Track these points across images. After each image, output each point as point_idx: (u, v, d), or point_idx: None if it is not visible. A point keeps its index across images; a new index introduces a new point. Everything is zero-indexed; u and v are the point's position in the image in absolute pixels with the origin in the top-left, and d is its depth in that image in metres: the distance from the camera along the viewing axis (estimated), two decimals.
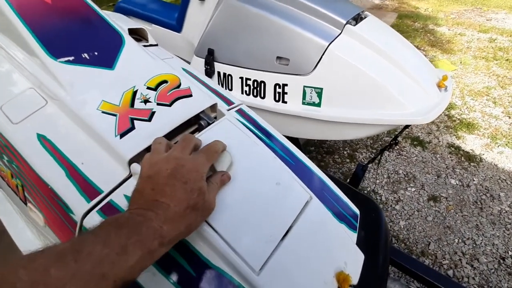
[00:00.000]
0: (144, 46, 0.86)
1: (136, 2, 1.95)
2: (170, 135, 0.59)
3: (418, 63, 1.13)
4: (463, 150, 2.15)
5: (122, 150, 0.53)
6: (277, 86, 1.22)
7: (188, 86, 0.66)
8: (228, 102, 0.76)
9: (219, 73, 1.40)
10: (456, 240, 1.59)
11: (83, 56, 0.64)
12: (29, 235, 0.82)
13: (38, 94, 0.63)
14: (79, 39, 0.67)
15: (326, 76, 1.10)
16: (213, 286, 0.47)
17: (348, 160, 2.11)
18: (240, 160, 0.55)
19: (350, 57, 1.06)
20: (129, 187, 0.52)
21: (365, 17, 1.20)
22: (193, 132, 0.63)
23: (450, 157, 2.10)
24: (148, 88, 0.63)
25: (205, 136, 0.57)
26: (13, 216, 0.85)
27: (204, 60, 1.40)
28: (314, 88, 1.13)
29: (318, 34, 1.09)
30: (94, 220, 0.49)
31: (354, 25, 1.11)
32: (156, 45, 0.97)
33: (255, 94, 1.31)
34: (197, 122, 0.64)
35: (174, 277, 0.47)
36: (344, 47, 1.08)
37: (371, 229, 0.68)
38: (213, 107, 0.67)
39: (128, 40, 0.72)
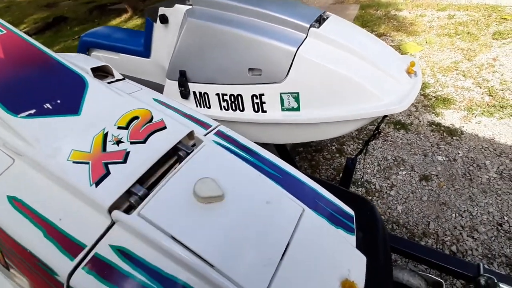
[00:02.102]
0: (110, 82, 0.84)
1: (99, 33, 1.92)
2: (148, 173, 0.57)
3: (385, 54, 1.16)
4: (443, 126, 2.21)
5: (99, 198, 0.51)
6: (254, 97, 1.22)
7: (161, 118, 0.65)
8: (205, 125, 0.75)
9: (194, 93, 1.39)
10: (453, 215, 1.62)
11: (45, 107, 0.61)
12: None
13: (3, 153, 0.61)
14: (39, 90, 0.64)
15: (300, 80, 1.11)
16: None
17: (337, 155, 2.13)
18: (225, 185, 0.55)
19: (319, 58, 1.07)
20: (113, 235, 0.50)
21: (327, 18, 1.23)
22: (173, 164, 0.61)
23: (433, 135, 2.16)
24: (119, 127, 0.62)
25: (186, 168, 0.56)
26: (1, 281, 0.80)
27: (177, 82, 1.38)
28: (291, 93, 1.14)
29: (285, 41, 1.10)
30: (81, 278, 0.47)
31: (318, 27, 1.13)
32: (123, 79, 0.95)
33: (233, 108, 1.31)
34: (176, 154, 0.62)
35: None
36: (312, 50, 1.09)
37: (368, 228, 0.68)
38: (191, 135, 0.66)
39: (91, 81, 0.70)
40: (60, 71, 0.70)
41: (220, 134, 0.73)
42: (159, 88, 1.53)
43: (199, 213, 0.52)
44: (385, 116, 1.28)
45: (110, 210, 0.50)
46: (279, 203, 0.56)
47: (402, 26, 3.60)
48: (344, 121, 1.11)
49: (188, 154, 0.61)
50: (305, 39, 1.11)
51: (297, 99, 1.14)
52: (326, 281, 0.51)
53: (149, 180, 0.58)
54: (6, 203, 0.54)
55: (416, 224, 1.61)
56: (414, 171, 1.91)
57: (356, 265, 0.55)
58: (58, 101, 0.63)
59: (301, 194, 0.63)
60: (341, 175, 1.69)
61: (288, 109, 1.18)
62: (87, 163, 0.55)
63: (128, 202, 0.54)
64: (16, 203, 0.54)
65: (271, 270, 0.48)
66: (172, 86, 1.43)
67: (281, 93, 1.16)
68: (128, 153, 0.57)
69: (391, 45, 3.32)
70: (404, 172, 1.91)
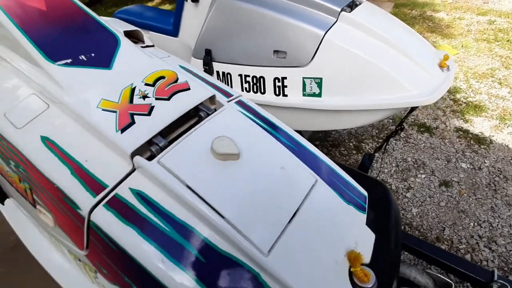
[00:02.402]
0: (141, 47, 0.87)
1: (131, 11, 1.98)
2: (170, 128, 0.60)
3: (418, 45, 1.12)
4: (472, 133, 2.11)
5: (123, 144, 0.54)
6: (277, 80, 1.22)
7: (186, 80, 0.67)
8: (227, 94, 0.77)
9: (218, 72, 1.40)
10: (472, 224, 1.55)
11: (81, 58, 0.65)
12: (44, 243, 0.83)
13: (39, 99, 0.65)
14: (75, 42, 0.68)
15: (325, 65, 1.10)
16: (223, 272, 0.46)
17: (354, 152, 2.08)
18: (243, 147, 0.56)
19: (347, 44, 1.05)
20: (134, 180, 0.52)
21: (360, 4, 1.19)
22: (194, 124, 0.63)
23: (459, 141, 2.06)
24: (146, 84, 0.64)
25: (206, 127, 0.58)
26: (26, 224, 0.86)
27: (202, 61, 1.40)
28: (314, 78, 1.13)
29: (313, 24, 1.08)
30: (101, 213, 0.50)
31: (349, 12, 1.10)
32: (153, 46, 0.98)
33: (255, 90, 1.31)
34: (197, 114, 0.64)
35: (183, 263, 0.47)
36: (341, 35, 1.07)
37: (380, 210, 0.67)
38: (212, 99, 0.67)
39: (123, 40, 0.73)
40: (96, 28, 0.74)
41: (241, 103, 0.74)
42: None
43: (214, 168, 0.53)
44: (410, 111, 1.24)
45: (132, 156, 0.53)
46: (293, 171, 0.57)
47: (437, 27, 3.44)
48: (366, 110, 1.08)
49: (208, 115, 0.62)
50: (334, 23, 1.09)
51: (319, 84, 1.12)
52: (332, 249, 0.51)
53: (171, 135, 0.61)
54: (39, 143, 0.58)
55: (430, 228, 1.55)
56: (434, 175, 1.83)
57: (364, 240, 0.55)
58: (92, 55, 0.67)
59: (315, 167, 0.63)
60: None
61: (309, 95, 1.17)
62: (115, 111, 0.58)
63: (149, 151, 0.56)
64: (48, 143, 0.58)
65: (279, 230, 0.48)
66: (197, 65, 1.45)
67: (304, 78, 1.14)
68: (152, 107, 0.60)
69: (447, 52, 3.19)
70: (423, 176, 1.84)
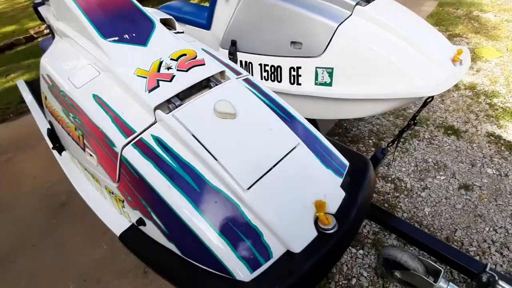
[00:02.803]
0: (173, 32, 1.05)
1: (172, 6, 2.20)
2: (185, 93, 0.75)
3: (431, 39, 1.14)
4: (504, 139, 1.99)
5: (150, 101, 0.70)
6: (292, 70, 1.32)
7: (202, 58, 0.82)
8: (237, 72, 0.90)
9: (241, 61, 1.54)
10: (487, 229, 1.50)
11: (125, 37, 0.84)
12: (88, 186, 1.03)
13: (93, 68, 0.84)
14: (122, 24, 0.88)
15: (336, 56, 1.17)
16: (212, 200, 0.60)
17: (373, 149, 2.09)
18: (240, 109, 0.69)
19: (359, 36, 1.11)
20: (155, 129, 0.68)
21: None
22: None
23: (489, 147, 1.97)
24: (171, 59, 0.81)
25: (213, 93, 0.72)
26: (75, 171, 1.08)
27: (228, 51, 1.55)
28: (326, 68, 1.21)
29: (327, 17, 1.16)
30: (130, 150, 0.67)
31: (364, 6, 1.16)
32: (182, 32, 1.14)
33: (272, 78, 1.42)
34: (208, 85, 0.78)
35: (184, 190, 0.61)
36: (353, 28, 1.13)
37: (356, 177, 0.75)
38: (222, 74, 0.81)
39: (158, 25, 0.91)
40: (138, 14, 0.94)
41: (247, 80, 0.87)
42: None
43: (214, 123, 0.67)
44: (423, 105, 1.26)
45: (155, 110, 0.70)
46: (280, 133, 0.68)
47: (482, 28, 3.23)
48: (373, 99, 1.13)
49: (217, 85, 0.76)
50: (349, 16, 1.16)
51: (331, 74, 1.20)
52: (303, 196, 0.61)
53: (186, 99, 0.76)
54: (91, 99, 0.78)
55: (441, 229, 1.53)
56: (455, 178, 1.79)
57: (334, 196, 0.64)
58: (134, 34, 0.86)
59: (303, 136, 0.73)
60: None
61: (321, 84, 1.25)
62: (146, 77, 0.75)
63: (168, 109, 0.72)
64: (98, 99, 0.78)
65: (259, 174, 0.60)
66: (223, 55, 1.60)
67: (316, 67, 1.23)
68: (173, 76, 0.76)
69: (465, 47, 3.03)
70: (442, 178, 1.80)
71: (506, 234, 1.45)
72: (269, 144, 0.66)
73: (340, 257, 0.72)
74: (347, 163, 0.75)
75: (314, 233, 0.59)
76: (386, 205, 1.68)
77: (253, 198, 0.58)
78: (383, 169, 1.88)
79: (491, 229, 1.49)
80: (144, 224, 0.69)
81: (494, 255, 1.38)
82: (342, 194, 0.66)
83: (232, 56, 1.54)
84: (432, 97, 1.20)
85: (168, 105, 0.72)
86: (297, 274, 0.55)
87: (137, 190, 0.68)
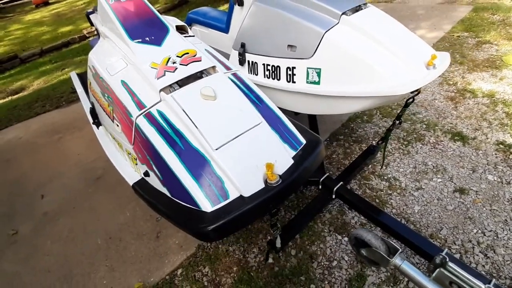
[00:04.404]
0: (184, 36, 1.32)
1: (200, 12, 2.50)
2: (184, 81, 1.01)
3: (408, 44, 1.25)
4: None
5: (157, 84, 0.98)
6: (288, 69, 1.51)
7: (200, 56, 1.07)
8: (227, 68, 1.14)
9: (249, 61, 1.76)
10: (475, 231, 1.53)
11: (146, 39, 1.13)
12: (117, 153, 1.33)
13: (123, 61, 1.14)
14: (145, 29, 1.18)
15: (324, 58, 1.34)
16: (193, 157, 0.84)
17: None
18: (219, 93, 0.93)
19: (342, 42, 1.27)
20: (160, 105, 0.95)
21: (365, 8, 1.38)
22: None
23: (495, 154, 1.95)
24: (177, 56, 1.08)
25: (203, 81, 0.98)
26: (107, 142, 1.39)
27: (238, 52, 1.78)
28: (315, 69, 1.38)
29: (317, 24, 1.34)
30: (141, 120, 0.94)
31: (350, 15, 1.31)
32: (193, 36, 1.41)
33: (273, 77, 1.62)
34: (201, 76, 1.04)
35: (175, 149, 0.85)
36: (338, 34, 1.29)
37: (306, 152, 0.93)
38: (214, 69, 1.06)
39: (172, 30, 1.19)
40: (157, 22, 1.24)
41: (235, 74, 1.11)
42: (228, 57, 1.97)
43: (200, 103, 0.93)
44: (405, 105, 1.37)
45: (160, 91, 0.96)
46: (247, 113, 0.91)
47: None
48: (353, 97, 1.28)
49: (207, 76, 1.01)
50: (335, 24, 1.32)
51: (319, 74, 1.37)
52: (258, 158, 0.82)
53: (184, 85, 1.02)
54: (120, 83, 1.08)
55: (427, 226, 1.60)
56: (452, 181, 1.82)
57: (284, 162, 0.85)
58: (152, 37, 1.15)
59: (268, 117, 0.95)
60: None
61: (311, 82, 1.42)
62: (156, 69, 1.04)
63: (170, 92, 0.99)
64: (124, 84, 1.09)
65: (226, 140, 0.84)
66: (234, 55, 1.83)
67: (307, 68, 1.40)
68: (176, 68, 1.03)
69: (493, 54, 2.93)
70: (439, 180, 1.84)
71: (495, 238, 1.48)
72: (238, 120, 0.90)
73: (279, 203, 0.94)
74: (303, 141, 0.96)
75: (261, 185, 0.81)
76: (377, 200, 1.78)
77: (220, 155, 0.83)
78: (380, 169, 1.97)
79: (479, 231, 1.53)
80: (148, 175, 0.96)
81: (477, 255, 1.42)
82: (290, 162, 0.87)
83: (241, 56, 1.77)
84: (413, 98, 1.31)
85: (169, 88, 0.99)
86: (243, 209, 0.77)
87: (144, 148, 0.95)
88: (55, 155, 2.79)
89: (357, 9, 1.38)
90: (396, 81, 1.15)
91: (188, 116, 0.89)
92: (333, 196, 1.44)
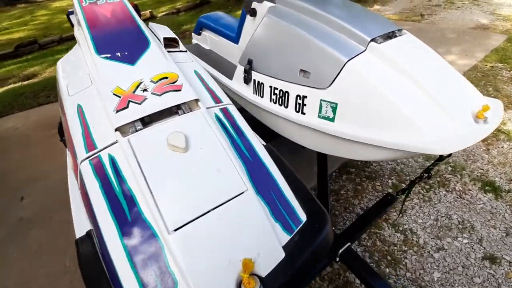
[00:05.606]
0: (173, 51, 1.07)
1: (211, 17, 2.29)
2: (154, 117, 0.76)
3: (453, 89, 0.99)
4: None
5: (114, 121, 0.72)
6: (298, 98, 1.26)
7: (182, 83, 0.82)
8: (217, 100, 0.88)
9: (254, 80, 1.52)
10: None
11: (117, 54, 0.88)
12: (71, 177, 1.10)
13: (89, 78, 0.90)
14: (118, 42, 0.93)
15: (342, 92, 1.09)
16: (140, 234, 0.59)
17: (390, 190, 1.90)
18: (194, 142, 0.67)
19: (368, 75, 1.02)
20: (113, 149, 0.70)
21: (400, 35, 1.12)
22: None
23: None
24: (151, 81, 0.82)
25: (174, 122, 0.72)
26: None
27: (244, 68, 1.55)
28: (330, 102, 1.13)
29: (338, 49, 1.09)
30: (85, 166, 0.70)
31: (380, 43, 1.06)
32: (186, 51, 1.17)
33: (280, 103, 1.38)
34: (177, 111, 0.78)
35: (117, 217, 0.61)
36: (364, 65, 1.04)
37: (306, 237, 0.67)
38: (197, 103, 0.80)
39: (153, 44, 0.94)
40: (137, 33, 0.98)
41: (224, 110, 0.84)
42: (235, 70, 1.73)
43: (163, 155, 0.67)
44: (440, 159, 1.10)
45: (116, 130, 0.71)
46: (227, 176, 0.64)
47: None
48: (374, 146, 1.02)
49: (184, 113, 0.76)
50: (361, 52, 1.07)
51: (334, 109, 1.12)
52: (232, 250, 0.56)
53: (152, 123, 0.77)
54: (75, 108, 0.84)
55: None
56: (481, 245, 1.53)
57: (269, 255, 0.58)
58: (126, 53, 0.89)
59: (260, 180, 0.68)
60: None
61: (324, 117, 1.17)
62: (120, 96, 0.78)
63: (129, 131, 0.74)
64: (80, 109, 0.84)
65: (191, 217, 0.57)
66: (240, 71, 1.60)
67: (321, 100, 1.16)
68: (145, 99, 0.77)
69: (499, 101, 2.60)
70: (465, 241, 1.56)
71: None
72: (212, 185, 0.63)
73: None
74: (303, 218, 0.67)
75: None
76: (388, 257, 1.51)
77: (177, 242, 0.55)
78: (395, 216, 1.70)
79: None
80: (91, 236, 0.71)
81: None
82: (281, 255, 0.59)
83: (247, 74, 1.54)
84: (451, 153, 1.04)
85: (129, 127, 0.74)
86: None
87: (85, 203, 0.71)
88: (46, 152, 2.63)
89: (390, 35, 1.12)
90: (434, 136, 0.89)
91: (143, 174, 0.64)
92: (337, 259, 1.18)
